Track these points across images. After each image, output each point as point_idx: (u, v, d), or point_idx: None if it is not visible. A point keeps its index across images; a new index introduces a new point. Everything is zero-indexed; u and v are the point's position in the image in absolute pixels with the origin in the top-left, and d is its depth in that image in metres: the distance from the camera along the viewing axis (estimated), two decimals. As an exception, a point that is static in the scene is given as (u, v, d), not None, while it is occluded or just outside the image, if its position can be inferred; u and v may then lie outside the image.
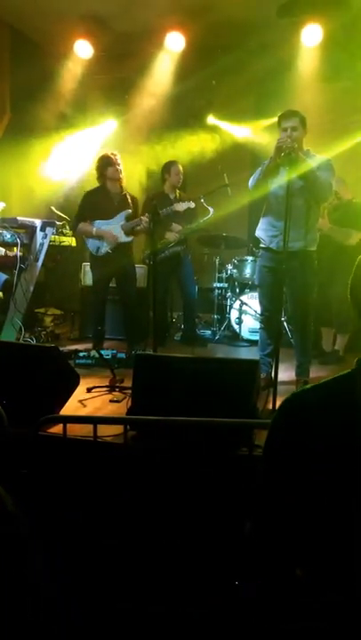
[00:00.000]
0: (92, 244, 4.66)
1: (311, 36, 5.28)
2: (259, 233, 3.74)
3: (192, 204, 4.89)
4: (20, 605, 0.72)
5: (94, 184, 4.83)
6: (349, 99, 6.07)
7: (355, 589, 0.96)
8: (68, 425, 2.25)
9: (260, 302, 3.88)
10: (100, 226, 4.60)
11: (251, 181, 3.63)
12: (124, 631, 1.87)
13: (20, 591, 0.73)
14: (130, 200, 4.67)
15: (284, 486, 1.05)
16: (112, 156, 4.58)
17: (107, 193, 4.65)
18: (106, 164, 4.57)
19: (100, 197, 4.65)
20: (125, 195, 4.67)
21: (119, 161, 4.58)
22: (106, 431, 2.38)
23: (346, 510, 0.97)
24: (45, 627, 0.74)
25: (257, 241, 3.78)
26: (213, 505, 2.04)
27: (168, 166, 5.16)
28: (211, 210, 5.05)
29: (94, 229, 4.60)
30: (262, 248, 3.73)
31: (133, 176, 5.09)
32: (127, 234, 4.59)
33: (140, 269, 5.32)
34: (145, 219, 4.46)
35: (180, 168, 5.15)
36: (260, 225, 3.75)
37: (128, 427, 2.28)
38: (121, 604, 1.97)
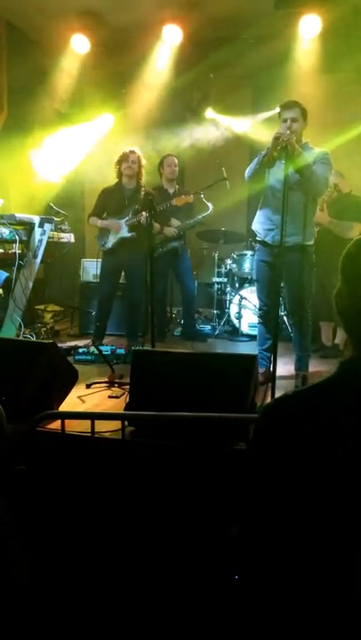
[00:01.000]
0: (100, 238, 4.74)
1: (309, 27, 5.23)
2: (255, 226, 3.73)
3: (191, 198, 4.89)
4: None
5: (94, 179, 4.85)
6: (348, 90, 6.04)
7: (337, 590, 0.95)
8: (67, 421, 2.25)
9: (259, 297, 3.87)
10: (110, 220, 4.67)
11: (247, 172, 3.62)
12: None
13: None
14: (142, 195, 4.66)
15: (268, 490, 1.04)
16: (127, 153, 4.62)
17: (120, 189, 4.70)
18: (120, 160, 4.64)
19: (113, 194, 4.71)
20: (139, 190, 4.68)
21: (134, 158, 4.61)
22: (104, 427, 2.37)
23: (328, 516, 0.96)
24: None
25: (255, 235, 3.77)
26: (212, 500, 2.04)
27: (161, 160, 5.18)
28: (210, 206, 5.03)
29: (99, 222, 4.70)
30: (258, 241, 3.71)
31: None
32: (130, 229, 4.59)
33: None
34: (145, 214, 4.45)
35: (175, 160, 5.13)
36: (256, 218, 3.73)
37: (126, 422, 2.28)
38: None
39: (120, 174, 4.68)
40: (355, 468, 0.94)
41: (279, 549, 1.02)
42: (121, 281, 4.88)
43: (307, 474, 0.98)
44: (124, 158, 4.62)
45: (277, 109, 3.59)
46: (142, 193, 4.66)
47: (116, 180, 4.73)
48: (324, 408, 1.00)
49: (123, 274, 4.84)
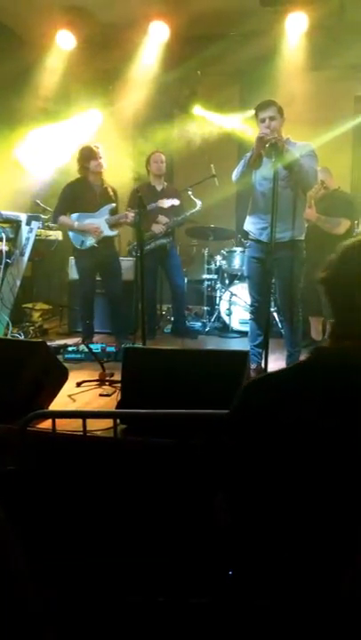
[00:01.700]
0: (75, 237, 4.59)
1: (296, 24, 5.24)
2: (248, 227, 3.73)
3: (176, 202, 4.84)
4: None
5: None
6: (335, 87, 6.07)
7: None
8: (58, 420, 2.23)
9: (250, 293, 3.87)
10: (84, 219, 4.54)
11: (234, 175, 3.62)
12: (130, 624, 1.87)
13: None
14: (111, 193, 4.62)
15: (246, 459, 1.12)
16: (95, 149, 4.49)
17: (88, 185, 4.58)
18: (88, 157, 4.48)
19: (82, 190, 4.57)
20: (106, 187, 4.61)
21: (102, 153, 4.51)
22: (95, 425, 2.35)
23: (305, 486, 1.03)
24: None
25: (245, 233, 3.77)
26: (205, 497, 2.03)
27: (149, 157, 5.13)
28: (199, 203, 5.02)
29: (76, 224, 4.53)
30: (251, 239, 3.72)
31: (119, 168, 5.03)
32: (111, 227, 4.55)
33: (128, 262, 5.28)
34: (131, 213, 4.42)
35: (161, 156, 5.10)
36: (248, 219, 3.74)
37: (118, 420, 2.26)
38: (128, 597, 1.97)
39: (85, 170, 4.52)
40: (320, 442, 1.01)
41: (259, 509, 1.09)
42: (97, 278, 4.80)
43: (280, 445, 1.06)
44: (92, 155, 4.47)
45: (253, 111, 3.60)
46: (110, 190, 4.61)
47: (79, 175, 4.58)
48: (298, 389, 1.09)
49: (101, 271, 4.74)
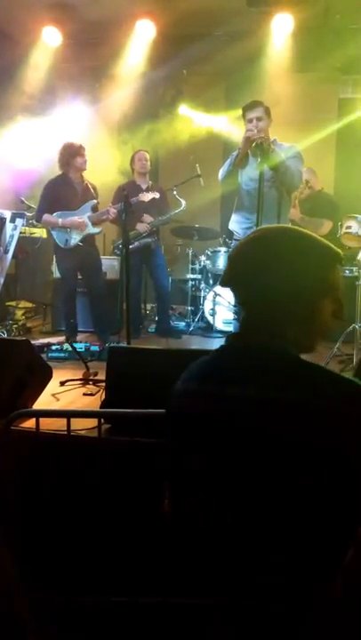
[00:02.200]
0: (59, 236, 4.54)
1: (282, 25, 5.27)
2: (232, 226, 3.75)
3: (157, 195, 4.83)
4: None
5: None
6: (320, 89, 6.12)
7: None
8: (41, 419, 2.22)
9: (234, 293, 3.88)
10: (67, 217, 4.50)
11: (220, 173, 3.64)
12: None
13: None
14: (92, 189, 4.60)
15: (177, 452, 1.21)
16: (79, 147, 4.46)
17: (69, 183, 4.54)
18: (74, 154, 4.44)
19: (64, 188, 4.54)
20: (87, 184, 4.59)
21: (84, 151, 4.49)
22: (80, 425, 2.34)
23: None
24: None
25: (230, 232, 3.78)
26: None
27: (133, 155, 5.13)
28: (183, 202, 5.03)
29: (60, 220, 4.49)
30: (236, 239, 3.74)
31: (104, 165, 5.02)
32: (95, 225, 4.53)
33: (112, 261, 5.27)
34: (113, 210, 4.41)
35: (145, 155, 5.09)
36: (232, 218, 3.76)
37: (102, 420, 2.26)
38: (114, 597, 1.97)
39: (68, 167, 4.48)
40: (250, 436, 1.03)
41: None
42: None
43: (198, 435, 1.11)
44: (78, 152, 4.43)
45: (239, 112, 3.62)
46: (91, 187, 4.59)
47: (61, 172, 4.55)
48: (211, 375, 1.16)
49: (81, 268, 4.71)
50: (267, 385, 1.02)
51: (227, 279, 1.17)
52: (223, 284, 1.19)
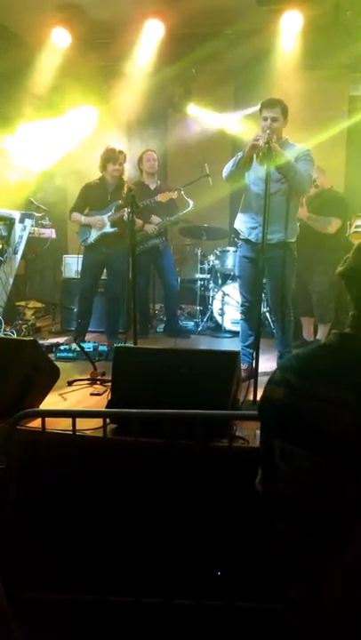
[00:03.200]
0: (81, 234, 4.68)
1: (291, 23, 5.22)
2: (238, 225, 3.73)
3: (175, 194, 4.87)
4: None
5: (74, 174, 4.79)
6: (330, 87, 6.07)
7: None
8: (48, 419, 2.22)
9: (241, 293, 3.87)
10: (92, 216, 4.62)
11: (225, 172, 3.62)
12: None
13: None
14: (125, 191, 4.62)
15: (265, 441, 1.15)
16: (117, 154, 4.53)
17: (103, 184, 4.66)
18: (108, 159, 4.55)
19: (95, 189, 4.67)
20: (121, 185, 4.65)
21: (123, 159, 4.56)
22: (86, 425, 2.35)
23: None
24: None
25: (236, 232, 3.77)
26: (195, 497, 2.03)
27: (141, 155, 5.15)
28: (191, 203, 5.02)
29: (83, 218, 4.63)
30: (241, 239, 3.72)
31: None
32: (112, 225, 4.55)
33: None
34: (128, 209, 4.43)
35: (153, 155, 5.11)
36: (238, 217, 3.74)
37: (108, 420, 2.26)
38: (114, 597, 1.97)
39: (104, 170, 4.62)
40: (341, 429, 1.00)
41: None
42: (103, 277, 4.84)
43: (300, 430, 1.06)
44: (111, 158, 4.53)
45: (258, 106, 3.58)
46: (125, 188, 4.63)
47: (100, 174, 4.68)
48: (317, 372, 1.09)
49: (105, 270, 4.79)
50: None
51: (346, 271, 1.16)
52: (341, 275, 1.17)
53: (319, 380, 1.06)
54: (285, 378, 1.11)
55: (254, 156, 3.48)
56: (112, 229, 4.56)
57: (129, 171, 4.78)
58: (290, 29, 5.29)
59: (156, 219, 4.98)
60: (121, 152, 4.56)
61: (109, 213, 4.57)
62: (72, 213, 4.73)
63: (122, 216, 4.49)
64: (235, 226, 3.77)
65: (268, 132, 3.33)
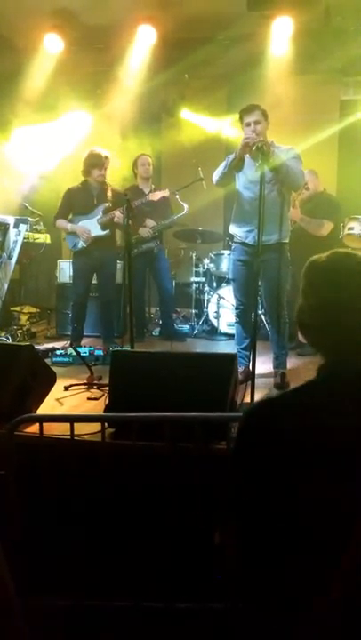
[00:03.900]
0: (69, 239, 4.66)
1: (282, 28, 5.26)
2: (233, 230, 3.75)
3: (167, 192, 4.87)
4: None
5: (68, 179, 4.79)
6: (321, 91, 6.12)
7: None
8: (45, 424, 2.22)
9: (235, 296, 3.89)
10: (79, 221, 4.61)
11: (215, 176, 3.64)
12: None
13: None
14: (110, 193, 4.63)
15: (252, 487, 1.09)
16: (102, 159, 4.54)
17: (87, 189, 4.66)
18: (94, 165, 4.55)
19: (80, 193, 4.66)
20: (106, 188, 4.64)
21: (107, 163, 4.57)
22: (83, 429, 2.35)
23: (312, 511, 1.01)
24: None
25: (231, 236, 3.79)
26: (193, 500, 2.04)
27: (135, 160, 5.17)
28: (185, 207, 5.04)
29: (69, 226, 4.61)
30: (237, 242, 3.74)
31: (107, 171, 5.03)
32: (103, 227, 4.56)
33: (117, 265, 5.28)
34: (118, 213, 4.44)
35: (148, 159, 5.13)
36: (233, 221, 3.76)
37: (106, 424, 2.27)
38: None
39: (88, 175, 4.61)
40: (337, 461, 0.99)
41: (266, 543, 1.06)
42: (93, 281, 4.83)
43: (290, 470, 1.03)
44: (97, 164, 4.53)
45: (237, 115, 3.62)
46: (109, 191, 4.63)
47: (82, 179, 4.66)
48: (305, 408, 1.06)
49: (95, 274, 4.78)
50: None
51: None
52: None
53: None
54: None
55: (246, 156, 3.51)
56: (103, 232, 4.57)
57: (123, 175, 4.80)
58: (281, 34, 5.33)
59: (150, 222, 4.99)
60: (106, 157, 4.57)
61: (98, 216, 4.57)
62: (57, 220, 4.70)
63: (112, 218, 4.50)
64: (230, 231, 3.80)
65: (254, 135, 3.37)
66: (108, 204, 4.57)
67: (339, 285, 1.10)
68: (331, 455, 1.00)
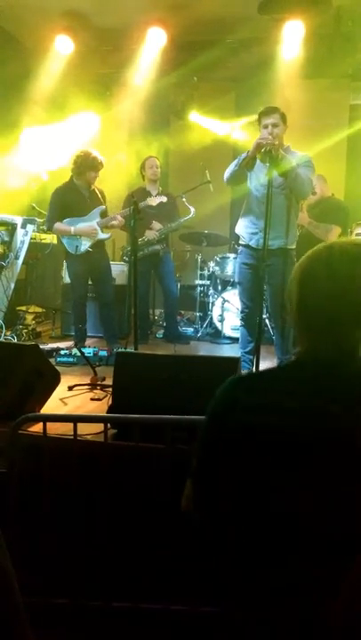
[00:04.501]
0: (69, 243, 4.52)
1: (293, 32, 5.27)
2: (239, 230, 3.75)
3: (164, 199, 4.84)
4: None
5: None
6: (330, 96, 6.12)
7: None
8: (48, 423, 2.23)
9: (241, 299, 3.89)
10: (76, 224, 4.49)
11: (226, 173, 3.63)
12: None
13: None
14: (99, 194, 4.61)
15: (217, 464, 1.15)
16: (99, 162, 4.46)
17: (76, 189, 4.54)
18: (90, 167, 4.44)
19: (71, 194, 4.54)
20: (94, 190, 4.60)
21: (101, 167, 4.51)
22: (86, 429, 2.36)
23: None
24: None
25: (238, 238, 3.79)
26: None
27: (143, 162, 5.15)
28: (192, 210, 5.04)
29: (72, 228, 4.48)
30: (242, 245, 3.74)
31: (114, 172, 5.05)
32: (103, 230, 4.55)
33: (121, 267, 5.29)
34: (120, 217, 4.44)
35: (156, 161, 5.11)
36: (240, 222, 3.76)
37: (109, 425, 2.27)
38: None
39: (79, 175, 4.50)
40: (293, 444, 1.03)
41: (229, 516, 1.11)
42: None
43: (252, 448, 1.07)
44: (94, 166, 4.45)
45: (248, 118, 3.62)
46: (98, 192, 4.59)
47: (68, 178, 4.57)
48: (270, 390, 1.11)
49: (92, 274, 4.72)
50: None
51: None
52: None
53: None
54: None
55: (257, 157, 3.51)
56: (107, 235, 4.55)
57: (131, 177, 4.80)
58: (291, 38, 5.34)
59: (157, 225, 4.99)
60: (102, 163, 4.49)
61: (97, 219, 4.51)
62: (53, 224, 4.50)
63: (110, 221, 4.48)
64: (236, 231, 3.80)
65: (270, 137, 3.37)
66: (104, 207, 4.54)
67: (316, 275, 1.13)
68: (278, 438, 1.04)
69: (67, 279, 5.60)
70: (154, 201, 4.73)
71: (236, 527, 1.10)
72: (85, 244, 4.50)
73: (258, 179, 3.58)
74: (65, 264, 5.58)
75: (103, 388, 3.36)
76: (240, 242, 3.74)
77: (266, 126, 3.46)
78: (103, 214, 4.53)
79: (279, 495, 1.03)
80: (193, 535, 1.36)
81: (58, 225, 4.48)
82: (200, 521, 1.20)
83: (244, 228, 3.70)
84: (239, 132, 6.12)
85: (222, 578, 1.16)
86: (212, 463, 1.15)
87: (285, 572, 1.02)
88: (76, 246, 4.50)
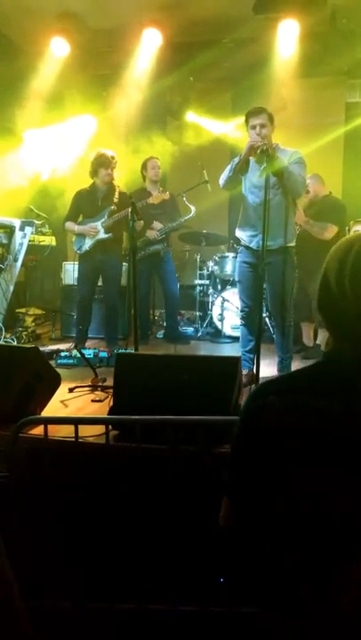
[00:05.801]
0: (76, 242, 4.69)
1: (288, 31, 5.27)
2: (238, 233, 3.76)
3: (167, 195, 4.87)
4: None
5: (74, 182, 4.80)
6: (327, 94, 6.12)
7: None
8: (50, 426, 2.23)
9: (240, 298, 3.89)
10: (86, 224, 4.62)
11: (221, 179, 3.65)
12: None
13: None
14: (117, 196, 4.64)
15: (256, 479, 1.11)
16: (109, 159, 4.56)
17: (94, 191, 4.67)
18: (100, 164, 4.57)
19: (86, 196, 4.68)
20: (112, 191, 4.65)
21: (114, 164, 4.59)
22: (88, 431, 2.35)
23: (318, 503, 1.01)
24: None
25: (236, 239, 3.80)
26: (197, 503, 2.04)
27: (145, 162, 5.16)
28: (193, 209, 5.04)
29: (76, 227, 4.63)
30: (242, 245, 3.74)
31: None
32: (106, 231, 4.56)
33: (123, 267, 5.28)
34: (123, 214, 4.46)
35: (157, 162, 5.13)
36: (238, 225, 3.77)
37: (110, 426, 2.27)
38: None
39: (95, 176, 4.64)
40: (341, 450, 0.99)
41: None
42: (99, 284, 4.85)
43: (295, 459, 1.03)
44: (103, 164, 4.55)
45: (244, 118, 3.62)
46: (117, 193, 4.64)
47: (91, 181, 4.70)
48: (299, 391, 1.07)
49: (100, 276, 4.80)
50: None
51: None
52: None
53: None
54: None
55: (251, 159, 3.51)
56: (106, 235, 4.58)
57: (129, 177, 4.80)
58: (287, 37, 5.34)
59: (157, 224, 4.99)
60: (113, 157, 4.58)
61: (102, 220, 4.57)
62: (65, 223, 4.73)
63: (115, 221, 4.51)
64: (236, 234, 3.81)
65: (259, 138, 3.37)
66: (113, 207, 4.57)
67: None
68: (330, 445, 1.01)
69: (66, 281, 5.61)
70: (155, 199, 4.75)
71: (278, 532, 1.08)
72: (88, 243, 4.60)
73: (251, 181, 3.58)
74: (64, 266, 5.61)
75: (104, 389, 3.36)
76: (241, 243, 3.75)
77: (254, 127, 3.46)
78: (110, 214, 4.56)
79: (320, 496, 1.01)
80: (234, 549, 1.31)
81: (67, 224, 4.72)
82: (242, 533, 1.16)
83: (243, 231, 3.71)
84: (236, 131, 6.11)
85: (268, 584, 1.13)
86: (249, 471, 1.12)
87: (328, 574, 1.01)
88: (80, 245, 4.65)
